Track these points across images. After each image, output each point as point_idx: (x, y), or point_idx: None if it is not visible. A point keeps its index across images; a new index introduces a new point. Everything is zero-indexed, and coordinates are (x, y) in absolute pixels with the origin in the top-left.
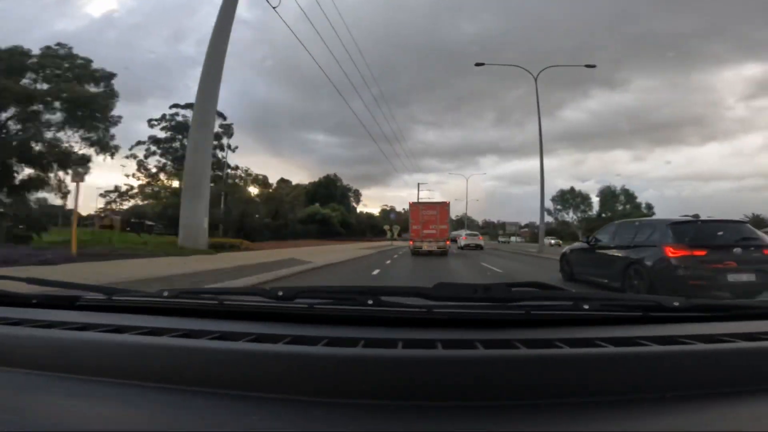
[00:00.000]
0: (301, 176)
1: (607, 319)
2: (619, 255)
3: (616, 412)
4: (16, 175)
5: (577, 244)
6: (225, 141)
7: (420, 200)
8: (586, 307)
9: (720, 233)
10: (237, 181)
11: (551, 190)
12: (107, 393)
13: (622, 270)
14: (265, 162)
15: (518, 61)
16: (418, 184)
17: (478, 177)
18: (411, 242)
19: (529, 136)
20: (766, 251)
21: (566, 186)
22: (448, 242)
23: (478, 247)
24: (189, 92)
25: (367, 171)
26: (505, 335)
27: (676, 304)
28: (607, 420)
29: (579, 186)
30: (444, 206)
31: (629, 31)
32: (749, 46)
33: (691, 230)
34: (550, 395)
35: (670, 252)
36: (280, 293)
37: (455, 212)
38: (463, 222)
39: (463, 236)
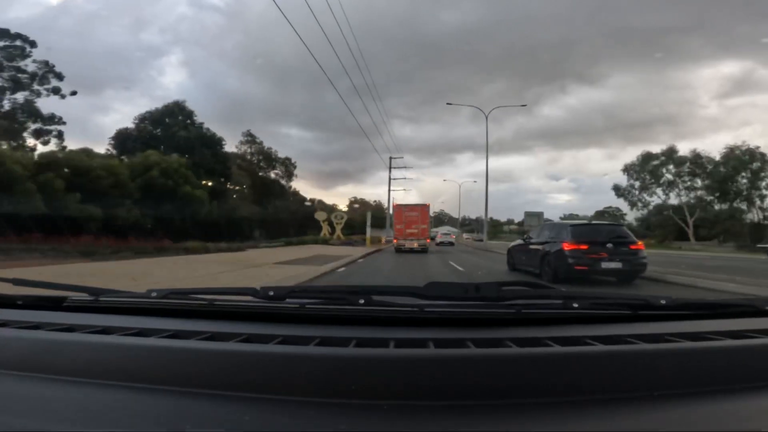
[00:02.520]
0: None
1: (596, 317)
2: (539, 249)
3: (606, 411)
4: None
5: (517, 241)
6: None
7: (396, 198)
8: (576, 305)
9: (601, 233)
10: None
11: (529, 189)
12: (95, 395)
13: (540, 260)
14: None
15: (498, 54)
16: (390, 158)
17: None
18: (395, 240)
19: (506, 132)
20: (632, 246)
21: (539, 184)
22: (428, 240)
23: (451, 243)
24: (154, 83)
25: (343, 167)
26: (496, 334)
27: (663, 302)
28: (596, 418)
29: (553, 185)
30: (425, 208)
31: (609, 24)
32: (728, 42)
33: (582, 230)
34: (541, 394)
35: (565, 246)
36: (271, 293)
37: (433, 208)
38: (440, 219)
39: (439, 234)
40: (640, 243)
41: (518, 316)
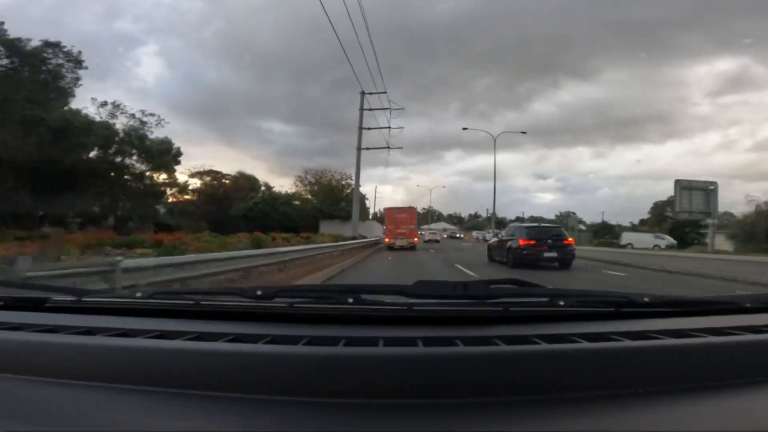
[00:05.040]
0: (261, 170)
1: (581, 314)
2: (506, 244)
3: (592, 407)
4: None
5: (494, 239)
6: None
7: (387, 191)
8: (562, 303)
9: (545, 232)
10: None
11: (516, 188)
12: (79, 396)
13: (506, 252)
14: (218, 152)
15: (491, 48)
16: (362, 93)
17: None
18: (387, 239)
19: (496, 130)
20: (565, 242)
21: (526, 182)
22: (416, 239)
23: (436, 242)
24: (129, 73)
25: (329, 164)
26: (484, 332)
27: (646, 299)
28: (583, 415)
29: (540, 184)
30: (412, 210)
31: (605, 16)
32: (725, 37)
33: (533, 230)
34: (529, 391)
35: (520, 241)
36: (259, 293)
37: (423, 204)
38: (431, 217)
39: (427, 233)
40: (570, 239)
41: (506, 314)
